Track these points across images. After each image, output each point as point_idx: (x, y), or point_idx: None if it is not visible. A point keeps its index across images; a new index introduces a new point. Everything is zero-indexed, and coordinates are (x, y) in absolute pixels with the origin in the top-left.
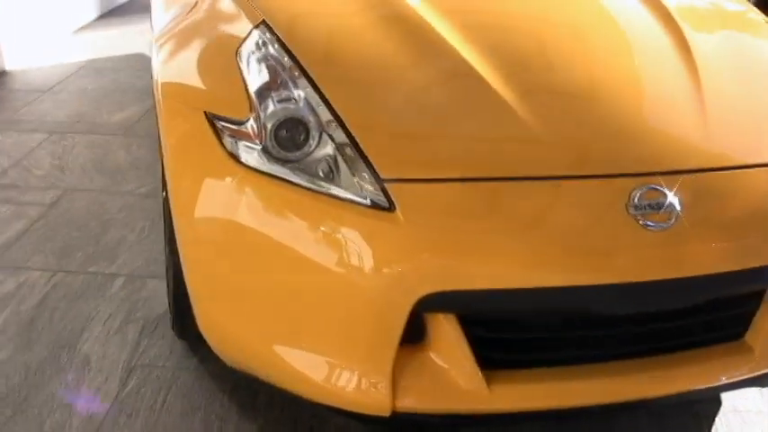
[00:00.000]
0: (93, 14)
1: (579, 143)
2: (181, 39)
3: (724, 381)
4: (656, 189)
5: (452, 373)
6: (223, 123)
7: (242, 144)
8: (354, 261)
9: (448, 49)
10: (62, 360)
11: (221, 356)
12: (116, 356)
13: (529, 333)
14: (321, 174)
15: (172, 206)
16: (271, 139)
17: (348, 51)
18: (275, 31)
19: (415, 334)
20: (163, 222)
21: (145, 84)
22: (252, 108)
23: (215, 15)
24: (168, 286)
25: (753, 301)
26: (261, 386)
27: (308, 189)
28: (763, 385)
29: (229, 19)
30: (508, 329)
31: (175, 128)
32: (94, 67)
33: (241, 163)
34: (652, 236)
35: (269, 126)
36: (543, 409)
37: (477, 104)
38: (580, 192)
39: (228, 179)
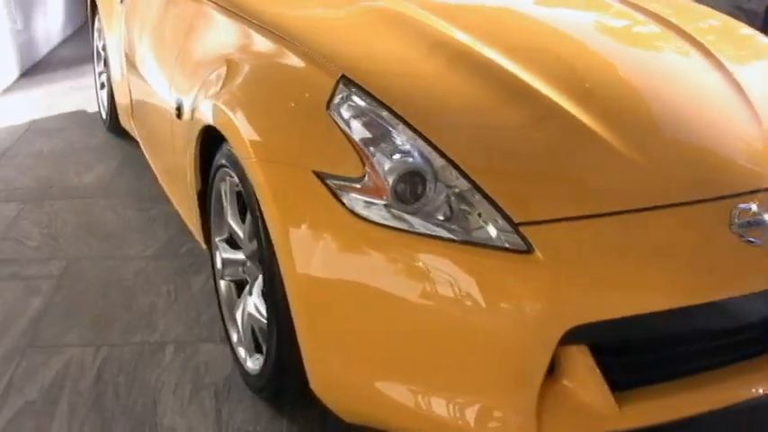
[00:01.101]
0: (15, 74)
1: (680, 171)
2: (248, 95)
3: None
4: (750, 208)
5: (587, 399)
6: (338, 182)
7: (361, 200)
8: (498, 304)
9: (530, 89)
10: None
11: (340, 411)
12: (203, 427)
13: (653, 353)
14: (447, 221)
15: (284, 270)
16: (392, 194)
17: (436, 97)
18: (358, 83)
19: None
20: (185, 284)
21: (99, 141)
22: (365, 164)
23: (278, 69)
24: (269, 351)
25: None
26: None
27: (440, 239)
28: None
29: (299, 72)
30: (636, 351)
31: (281, 190)
32: (40, 128)
33: (364, 219)
34: (757, 250)
35: (390, 181)
36: (667, 420)
37: (578, 142)
38: (691, 216)
39: (353, 236)
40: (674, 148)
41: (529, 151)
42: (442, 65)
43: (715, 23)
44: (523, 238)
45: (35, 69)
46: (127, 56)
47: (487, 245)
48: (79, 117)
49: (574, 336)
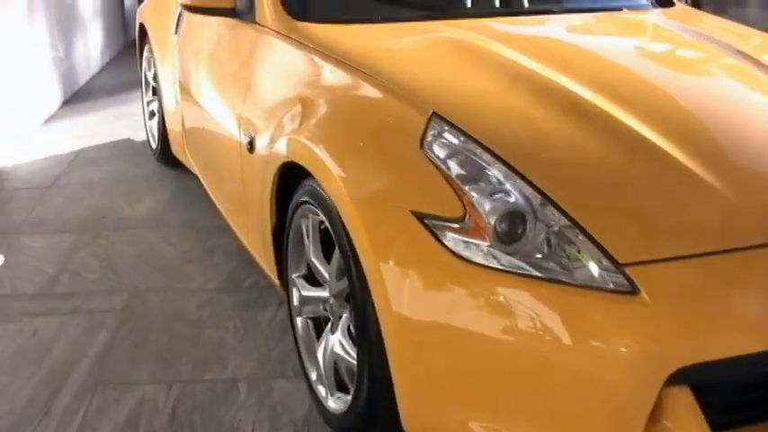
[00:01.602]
0: (58, 102)
1: None
2: (334, 132)
3: None
4: None
5: None
6: (438, 222)
7: (461, 241)
8: (603, 346)
9: (621, 125)
10: None
11: None
12: None
13: (753, 392)
14: (547, 260)
15: (379, 308)
16: (494, 234)
17: (526, 132)
18: (449, 120)
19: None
20: (252, 319)
21: (149, 171)
22: (464, 204)
23: (362, 104)
24: (359, 391)
25: None
26: None
27: (542, 279)
28: None
29: (385, 108)
30: (736, 391)
31: (378, 230)
32: (88, 158)
33: (469, 261)
34: None
35: (492, 221)
36: None
37: (676, 180)
38: None
39: (453, 276)
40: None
41: (627, 189)
42: (527, 98)
43: None
44: (629, 279)
45: (77, 97)
46: (181, 86)
47: (590, 285)
48: (126, 146)
49: (678, 377)
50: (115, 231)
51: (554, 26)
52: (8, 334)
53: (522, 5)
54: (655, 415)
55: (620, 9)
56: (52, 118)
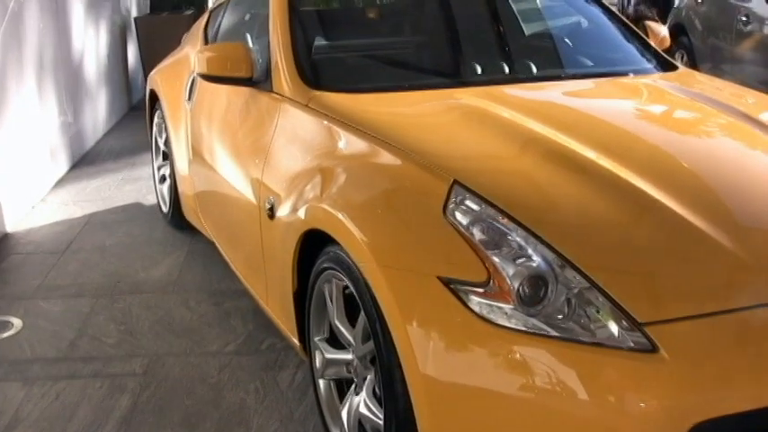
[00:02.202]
0: (66, 166)
1: None
2: (357, 199)
3: None
4: None
5: None
6: (463, 287)
7: (487, 305)
8: (625, 403)
9: (633, 187)
10: None
11: None
12: None
13: None
14: (568, 321)
15: (406, 371)
16: (517, 298)
17: (544, 196)
18: (470, 188)
19: None
20: (272, 380)
21: (161, 235)
22: (488, 268)
23: (383, 172)
24: None
25: None
26: None
27: (565, 339)
28: None
29: (407, 176)
30: None
31: (405, 295)
32: (100, 222)
33: (494, 324)
34: None
35: (515, 285)
36: None
37: (688, 241)
38: None
39: (479, 339)
40: None
41: (641, 250)
42: (539, 163)
43: None
44: (648, 338)
45: (84, 161)
46: (195, 151)
47: (610, 344)
48: (137, 210)
49: (697, 431)
50: (131, 295)
51: (562, 92)
52: (31, 398)
53: (532, 72)
54: None
55: (625, 74)
56: (61, 182)
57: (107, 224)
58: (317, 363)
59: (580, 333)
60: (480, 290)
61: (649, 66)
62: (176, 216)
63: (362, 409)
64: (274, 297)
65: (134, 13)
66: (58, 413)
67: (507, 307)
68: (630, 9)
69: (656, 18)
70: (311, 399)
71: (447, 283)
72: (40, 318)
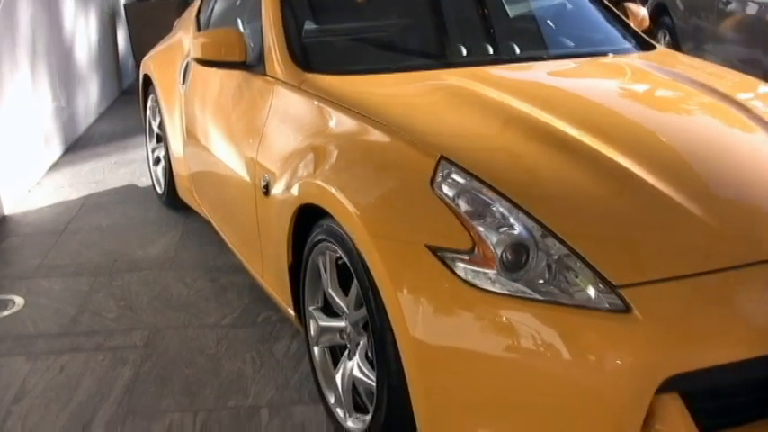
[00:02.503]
0: (60, 150)
1: (755, 234)
2: (350, 175)
3: None
4: None
5: None
6: (450, 254)
7: (471, 270)
8: (600, 360)
9: (610, 161)
10: None
11: None
12: None
13: (739, 397)
14: (549, 285)
15: (398, 335)
16: (500, 264)
17: (527, 169)
18: (456, 162)
19: None
20: (267, 351)
21: (156, 215)
22: (473, 237)
23: (375, 149)
24: (378, 410)
25: None
26: None
27: (545, 302)
28: None
29: (397, 152)
30: (723, 396)
31: (396, 263)
32: (95, 204)
33: (479, 288)
34: None
35: (498, 252)
36: None
37: (660, 210)
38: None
39: (465, 303)
40: (750, 212)
41: (618, 218)
42: (521, 139)
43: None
44: (622, 299)
45: (77, 145)
46: (189, 133)
47: (588, 306)
48: (131, 192)
49: (667, 385)
50: (129, 273)
51: (544, 72)
52: (36, 371)
53: (515, 53)
54: (649, 421)
55: (605, 54)
56: (56, 165)
57: (103, 206)
58: (312, 331)
59: (560, 296)
60: (466, 257)
61: (629, 46)
62: (171, 196)
63: (356, 373)
64: (270, 271)
65: (123, 0)
66: (63, 384)
67: (491, 272)
68: None
69: None
70: (306, 367)
71: (435, 250)
72: (42, 296)
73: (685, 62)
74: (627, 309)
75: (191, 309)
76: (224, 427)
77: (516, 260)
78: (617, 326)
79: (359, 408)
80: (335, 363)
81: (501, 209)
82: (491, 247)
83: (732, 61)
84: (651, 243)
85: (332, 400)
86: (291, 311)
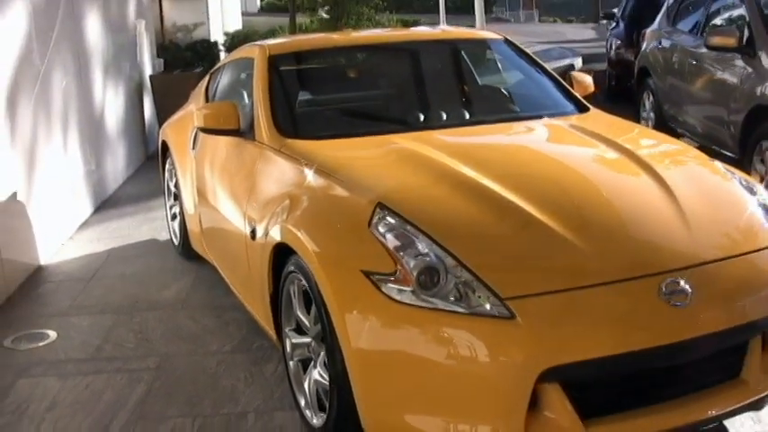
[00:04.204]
0: (90, 210)
1: (622, 257)
2: (310, 219)
3: (733, 407)
4: (675, 281)
5: (561, 424)
6: (378, 277)
7: (395, 289)
8: (493, 355)
9: (512, 205)
10: None
11: None
12: None
13: (615, 388)
14: (454, 299)
15: (342, 344)
16: (416, 283)
17: (445, 214)
18: (389, 206)
19: (531, 403)
20: (259, 371)
21: (172, 264)
22: (396, 263)
23: (330, 199)
24: (331, 405)
25: (742, 349)
26: None
27: (451, 312)
28: (757, 409)
29: (346, 201)
30: (601, 388)
31: (340, 286)
32: (120, 256)
33: (398, 302)
34: (679, 310)
35: (414, 274)
36: None
37: (546, 241)
38: (629, 288)
39: (391, 315)
40: (618, 240)
41: (511, 248)
42: (446, 189)
43: (659, 144)
44: (508, 309)
45: (106, 204)
46: (199, 192)
47: (484, 315)
48: (152, 245)
49: (547, 376)
50: (147, 312)
51: (481, 134)
52: (66, 388)
53: (465, 119)
54: (538, 407)
55: (540, 117)
56: (86, 223)
57: (127, 257)
58: (288, 348)
59: (464, 307)
60: (391, 278)
61: (569, 109)
62: (185, 247)
63: (316, 377)
64: (257, 301)
65: (149, 71)
66: (88, 398)
67: (409, 289)
68: (612, 53)
69: (633, 60)
70: (288, 383)
71: (367, 274)
72: (72, 330)
73: (605, 122)
74: (512, 316)
75: (197, 339)
76: (216, 428)
77: (429, 281)
78: (503, 329)
79: (323, 408)
80: (305, 372)
81: (420, 243)
82: (409, 270)
83: (700, 118)
84: (534, 266)
85: (303, 403)
86: (273, 334)
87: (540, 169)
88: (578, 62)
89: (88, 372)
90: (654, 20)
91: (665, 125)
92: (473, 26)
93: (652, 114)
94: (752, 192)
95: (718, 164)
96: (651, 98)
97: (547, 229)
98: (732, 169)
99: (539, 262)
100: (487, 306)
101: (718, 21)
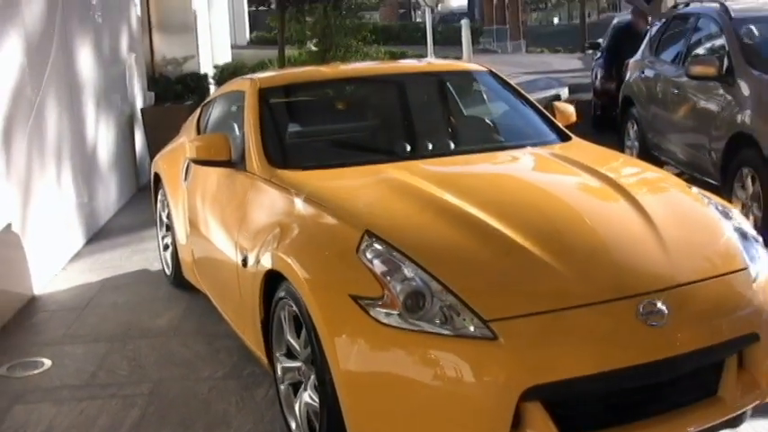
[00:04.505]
0: (82, 241)
1: (601, 281)
2: (300, 247)
3: (711, 423)
4: (652, 302)
5: None
6: (366, 301)
7: (382, 313)
8: (475, 375)
9: (495, 231)
10: None
11: None
12: None
13: (596, 406)
14: (440, 322)
15: (332, 367)
16: (403, 307)
17: (431, 240)
18: (376, 233)
19: (514, 421)
20: (249, 396)
21: (164, 293)
22: (383, 288)
23: (319, 227)
24: (321, 426)
25: (719, 367)
26: None
27: (435, 334)
28: (734, 426)
29: (335, 229)
30: (581, 406)
31: (330, 310)
32: (113, 285)
33: (386, 325)
34: (656, 330)
35: (401, 299)
36: None
37: (528, 267)
38: (607, 310)
39: (378, 338)
40: (598, 264)
41: (494, 272)
42: (432, 217)
43: (638, 172)
44: (491, 330)
45: (98, 236)
46: (191, 222)
47: (468, 336)
48: (144, 275)
49: (529, 395)
50: (140, 339)
51: (466, 163)
52: (61, 413)
53: (450, 149)
54: (521, 426)
55: (523, 146)
56: (79, 254)
57: (119, 287)
58: (279, 372)
59: (449, 330)
60: (379, 302)
61: (551, 138)
62: (178, 277)
63: (307, 399)
64: (249, 327)
65: (140, 104)
66: (83, 422)
67: (395, 312)
68: (598, 83)
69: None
70: (279, 407)
71: (355, 299)
72: (66, 358)
73: (587, 150)
74: (495, 337)
75: (189, 366)
76: None
77: (415, 304)
78: (486, 350)
79: (313, 430)
80: (296, 395)
81: (406, 268)
82: (396, 294)
83: (683, 146)
84: (516, 289)
85: (293, 426)
86: (264, 359)
87: (523, 197)
88: (564, 92)
89: (83, 398)
90: (636, 51)
91: (648, 153)
92: (460, 57)
93: (636, 143)
94: (727, 216)
95: (695, 190)
96: (635, 127)
97: (529, 253)
98: (709, 195)
99: (521, 286)
100: (471, 328)
101: (699, 51)
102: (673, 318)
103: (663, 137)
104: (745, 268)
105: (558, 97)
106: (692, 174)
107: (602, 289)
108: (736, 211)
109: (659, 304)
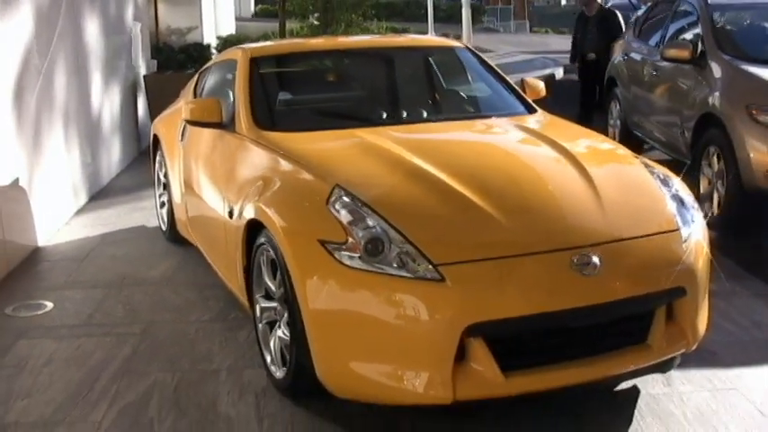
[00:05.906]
0: (85, 199)
1: (540, 233)
2: (278, 198)
3: (637, 366)
4: (586, 255)
5: (484, 373)
6: (332, 245)
7: (346, 255)
8: (424, 312)
9: (451, 189)
10: (212, 421)
11: (337, 392)
12: (248, 412)
13: (534, 344)
14: (396, 265)
15: (301, 305)
16: (363, 251)
17: (394, 195)
18: (345, 188)
19: (459, 354)
20: (233, 337)
21: (160, 248)
22: (347, 234)
23: (296, 182)
24: (291, 359)
25: (648, 317)
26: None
27: (392, 275)
28: (662, 371)
29: (309, 184)
30: (521, 343)
31: (301, 254)
32: (112, 240)
33: (349, 266)
34: (589, 279)
35: (362, 243)
36: (541, 389)
37: (477, 220)
38: (548, 259)
39: (342, 278)
40: (539, 219)
41: (445, 223)
42: (400, 177)
43: (590, 142)
44: (439, 273)
45: (100, 194)
46: (185, 181)
47: (421, 278)
48: (142, 231)
49: (472, 331)
50: (135, 287)
51: (434, 130)
52: (60, 348)
53: (422, 116)
54: (466, 359)
55: (489, 116)
56: (82, 210)
57: (118, 241)
58: (258, 312)
59: (404, 272)
60: (343, 246)
61: (520, 110)
62: (173, 232)
63: (280, 334)
64: (233, 273)
65: (143, 72)
66: (80, 355)
67: (356, 255)
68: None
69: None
70: (258, 347)
71: (323, 243)
72: (66, 301)
73: (546, 122)
74: (442, 279)
75: (179, 310)
76: (194, 381)
77: (375, 249)
78: (435, 290)
79: (285, 362)
80: (272, 333)
81: (369, 218)
82: (357, 240)
83: (659, 126)
84: (465, 240)
85: (269, 359)
86: (245, 301)
87: (483, 160)
88: (559, 72)
89: (80, 335)
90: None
91: (629, 133)
92: (460, 36)
93: (618, 122)
94: (666, 184)
95: (639, 159)
96: (618, 107)
97: (481, 210)
98: (652, 164)
99: (470, 237)
100: (422, 272)
101: (677, 34)
102: (605, 269)
103: (642, 117)
104: (676, 230)
105: (552, 76)
106: (668, 152)
107: (541, 241)
108: (676, 180)
109: (593, 257)
